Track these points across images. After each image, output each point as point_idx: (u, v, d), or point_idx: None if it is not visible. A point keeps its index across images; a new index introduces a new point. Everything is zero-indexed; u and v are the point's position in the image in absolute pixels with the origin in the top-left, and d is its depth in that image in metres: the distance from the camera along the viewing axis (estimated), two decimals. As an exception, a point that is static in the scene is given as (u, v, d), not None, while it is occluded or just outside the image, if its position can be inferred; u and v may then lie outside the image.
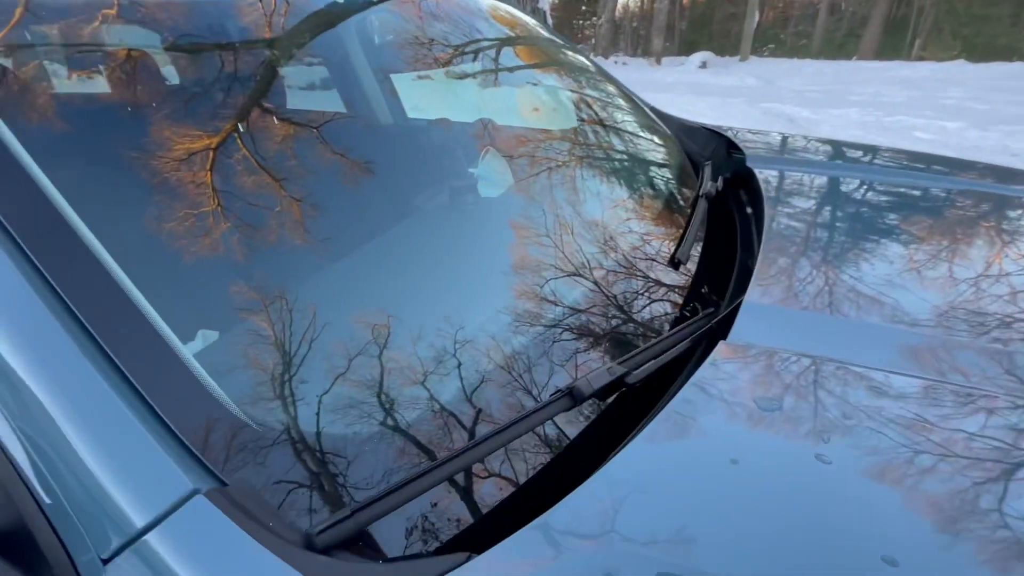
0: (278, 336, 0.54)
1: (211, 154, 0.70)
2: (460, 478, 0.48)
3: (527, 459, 0.50)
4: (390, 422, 0.51)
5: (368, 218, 0.86)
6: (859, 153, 1.35)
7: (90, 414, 0.40)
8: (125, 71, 0.78)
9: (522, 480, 0.50)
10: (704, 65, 15.01)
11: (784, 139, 1.50)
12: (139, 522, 0.37)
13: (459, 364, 0.58)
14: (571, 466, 0.51)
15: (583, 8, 28.84)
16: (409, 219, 0.90)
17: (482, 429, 0.52)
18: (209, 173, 0.69)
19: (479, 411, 0.54)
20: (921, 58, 15.03)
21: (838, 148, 1.39)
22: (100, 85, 0.76)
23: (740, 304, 0.66)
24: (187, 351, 0.47)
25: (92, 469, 0.38)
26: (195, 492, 0.39)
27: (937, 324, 0.66)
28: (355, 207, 0.84)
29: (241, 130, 0.76)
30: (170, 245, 0.61)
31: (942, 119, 6.14)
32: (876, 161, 1.27)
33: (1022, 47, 14.64)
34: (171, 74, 0.83)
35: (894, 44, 17.37)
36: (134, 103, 0.75)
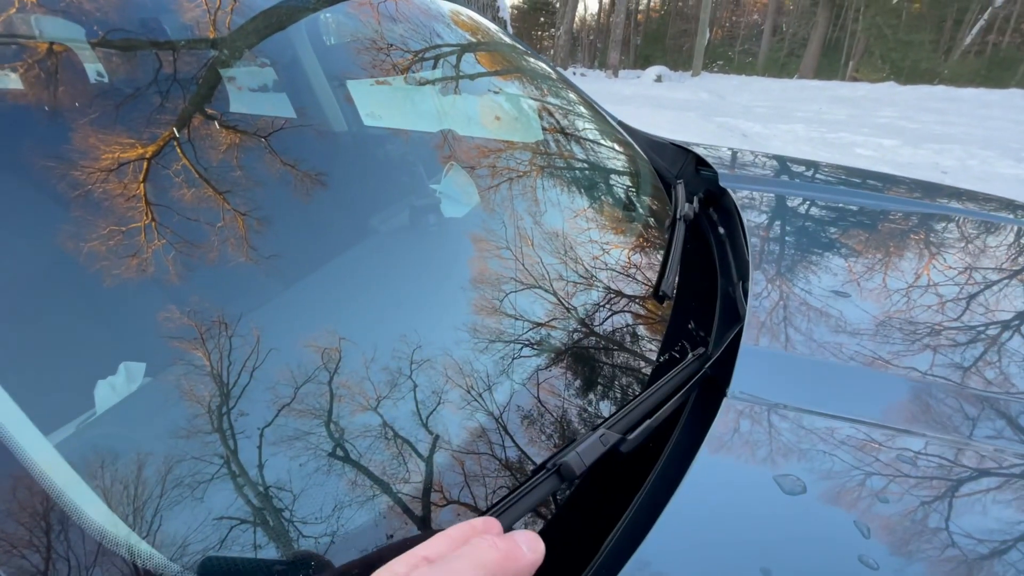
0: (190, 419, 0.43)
1: (143, 164, 0.60)
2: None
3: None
4: (342, 531, 0.41)
5: (322, 236, 0.76)
6: (832, 173, 1.35)
7: None
8: (44, 68, 0.67)
9: None
10: (659, 79, 15.50)
11: (750, 156, 1.50)
12: None
13: (427, 434, 0.48)
14: (567, 556, 0.42)
15: (541, 19, 29.24)
16: (366, 240, 0.80)
17: (459, 516, 0.43)
18: (140, 185, 0.58)
19: (451, 493, 0.45)
20: (855, 79, 16.11)
21: (810, 167, 1.39)
22: (12, 82, 0.64)
23: (733, 345, 0.59)
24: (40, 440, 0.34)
25: None
26: None
27: (984, 367, 0.58)
28: (307, 223, 0.75)
29: (178, 136, 0.65)
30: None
31: (879, 136, 6.54)
32: (849, 181, 1.28)
33: (942, 71, 15.96)
34: (98, 73, 0.72)
35: (830, 65, 18.57)
36: (53, 104, 0.64)
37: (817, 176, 1.31)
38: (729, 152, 1.50)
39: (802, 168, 1.39)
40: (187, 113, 0.69)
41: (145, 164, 0.60)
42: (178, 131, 0.66)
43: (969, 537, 0.41)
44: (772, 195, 1.14)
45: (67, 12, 0.75)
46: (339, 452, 0.46)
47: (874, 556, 0.40)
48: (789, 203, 1.12)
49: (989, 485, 0.46)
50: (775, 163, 1.43)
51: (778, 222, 1.01)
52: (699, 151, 1.31)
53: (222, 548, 0.36)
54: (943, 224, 1.04)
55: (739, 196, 1.06)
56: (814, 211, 1.08)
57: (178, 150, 0.64)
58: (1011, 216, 1.10)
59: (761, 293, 0.71)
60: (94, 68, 0.72)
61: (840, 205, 1.11)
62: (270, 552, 0.38)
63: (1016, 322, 0.70)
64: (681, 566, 0.40)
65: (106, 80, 0.71)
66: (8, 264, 0.52)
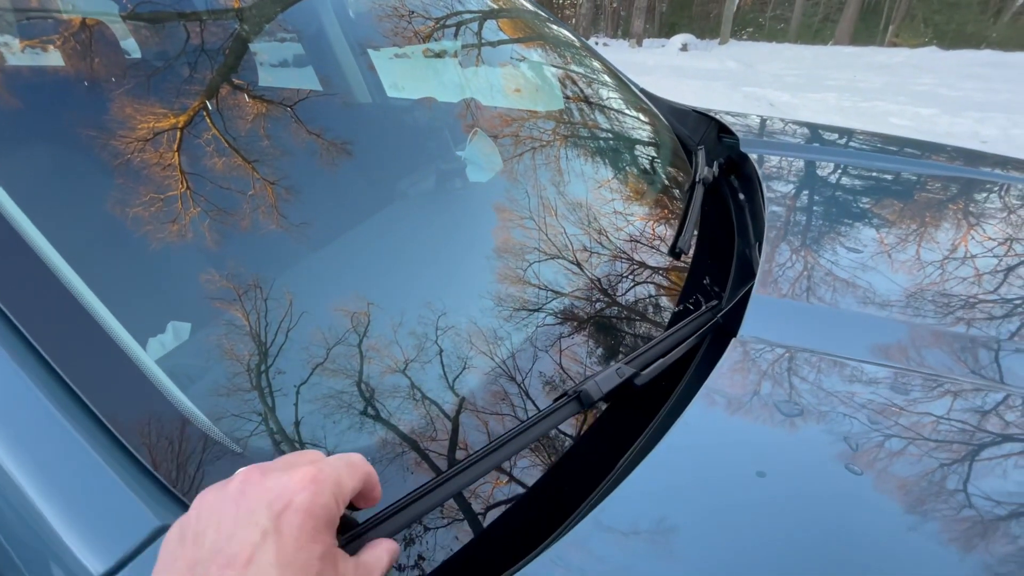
0: (254, 337, 0.48)
1: (177, 134, 0.64)
2: (460, 500, 0.43)
3: (532, 473, 0.46)
4: (382, 438, 0.46)
5: (347, 203, 0.80)
6: (854, 139, 1.33)
7: (28, 440, 0.34)
8: (79, 41, 0.70)
9: (530, 499, 0.45)
10: (685, 48, 14.96)
11: (775, 123, 1.47)
12: (97, 569, 0.32)
13: (453, 367, 0.53)
14: (582, 480, 0.47)
15: (563, -13, 28.26)
16: (391, 207, 0.84)
17: (482, 439, 0.47)
18: (175, 155, 0.62)
19: (478, 419, 0.49)
20: (894, 44, 15.24)
21: (832, 133, 1.37)
22: (51, 57, 0.68)
23: (746, 297, 0.62)
24: (147, 357, 0.41)
25: (37, 509, 0.32)
26: (162, 529, 0.33)
27: (968, 314, 0.62)
28: (333, 191, 0.78)
29: (209, 108, 0.69)
30: (128, 236, 0.54)
31: (916, 105, 6.25)
32: (869, 146, 1.25)
33: (990, 35, 14.99)
34: (131, 46, 0.76)
35: (868, 30, 17.58)
36: (89, 77, 0.67)
37: (840, 141, 1.29)
38: (754, 119, 1.47)
39: (826, 134, 1.37)
40: (216, 85, 0.72)
41: (179, 135, 0.64)
42: (209, 102, 0.69)
43: (942, 448, 0.44)
44: (793, 160, 1.13)
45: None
46: (369, 410, 0.50)
47: (860, 465, 0.44)
48: (810, 168, 1.11)
49: (946, 407, 0.50)
50: (799, 129, 1.41)
51: (797, 186, 1.01)
52: (725, 118, 1.30)
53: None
54: (961, 188, 1.02)
55: (760, 161, 1.05)
56: (834, 176, 1.08)
57: (208, 121, 0.67)
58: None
59: (775, 253, 0.73)
60: (126, 43, 0.75)
61: (861, 170, 1.10)
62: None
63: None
64: (687, 464, 0.45)
65: (137, 55, 0.74)
66: (65, 228, 0.56)
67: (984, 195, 1.01)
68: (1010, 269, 0.73)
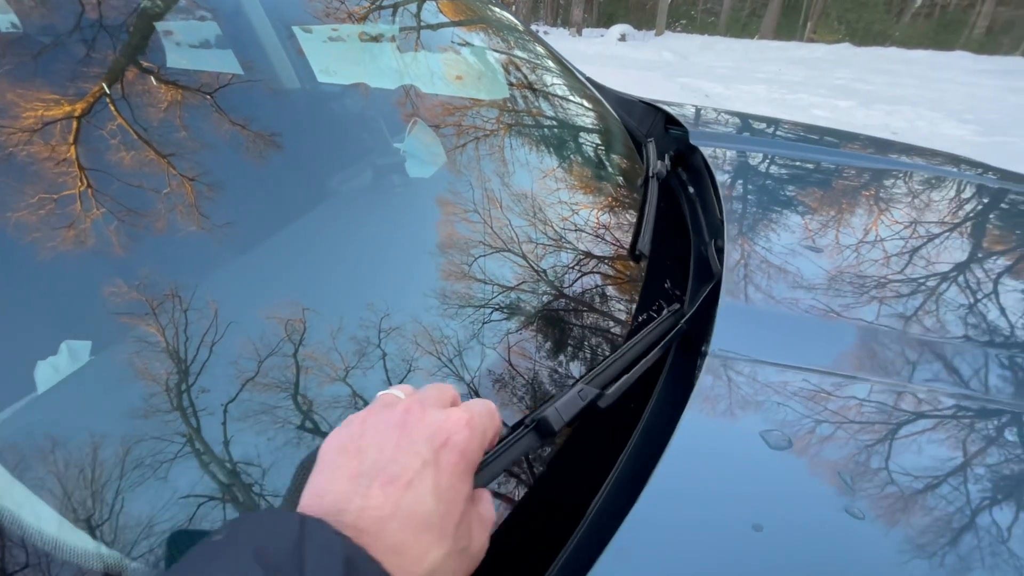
0: (154, 383, 0.40)
1: (72, 124, 0.54)
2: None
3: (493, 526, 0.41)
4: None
5: (277, 200, 0.72)
6: (795, 130, 1.36)
7: None
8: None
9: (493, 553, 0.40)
10: (623, 38, 15.26)
11: (719, 114, 1.49)
12: None
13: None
14: (546, 536, 0.42)
15: (502, -27, 27.92)
16: (324, 204, 0.76)
17: None
18: (70, 148, 0.52)
19: None
20: (812, 40, 16.29)
21: (776, 124, 1.40)
22: None
23: (709, 300, 0.59)
24: None
25: None
26: None
27: (946, 318, 0.60)
28: (261, 187, 0.70)
29: (111, 94, 0.59)
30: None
31: (835, 98, 6.69)
32: (795, 135, 1.29)
33: (893, 33, 16.36)
34: (11, 19, 0.64)
35: (790, 25, 18.69)
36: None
37: (783, 134, 1.32)
38: (696, 110, 1.48)
39: (767, 126, 1.40)
40: (120, 67, 0.62)
41: (75, 124, 0.54)
42: (112, 87, 0.59)
43: (943, 480, 0.43)
44: (742, 153, 1.14)
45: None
46: (307, 424, 0.44)
47: (860, 506, 0.40)
48: (758, 161, 1.12)
49: (957, 431, 0.47)
50: (743, 121, 1.44)
51: (748, 179, 1.02)
52: (669, 109, 1.29)
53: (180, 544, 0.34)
54: (897, 179, 1.07)
55: (708, 154, 1.05)
56: (784, 170, 1.10)
57: (112, 108, 0.57)
58: (955, 169, 1.15)
59: (733, 251, 0.71)
60: (4, 15, 0.63)
61: (809, 163, 1.12)
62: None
63: (954, 272, 0.73)
64: (674, 519, 0.41)
65: (19, 30, 0.63)
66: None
67: (970, 192, 1.06)
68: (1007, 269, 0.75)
